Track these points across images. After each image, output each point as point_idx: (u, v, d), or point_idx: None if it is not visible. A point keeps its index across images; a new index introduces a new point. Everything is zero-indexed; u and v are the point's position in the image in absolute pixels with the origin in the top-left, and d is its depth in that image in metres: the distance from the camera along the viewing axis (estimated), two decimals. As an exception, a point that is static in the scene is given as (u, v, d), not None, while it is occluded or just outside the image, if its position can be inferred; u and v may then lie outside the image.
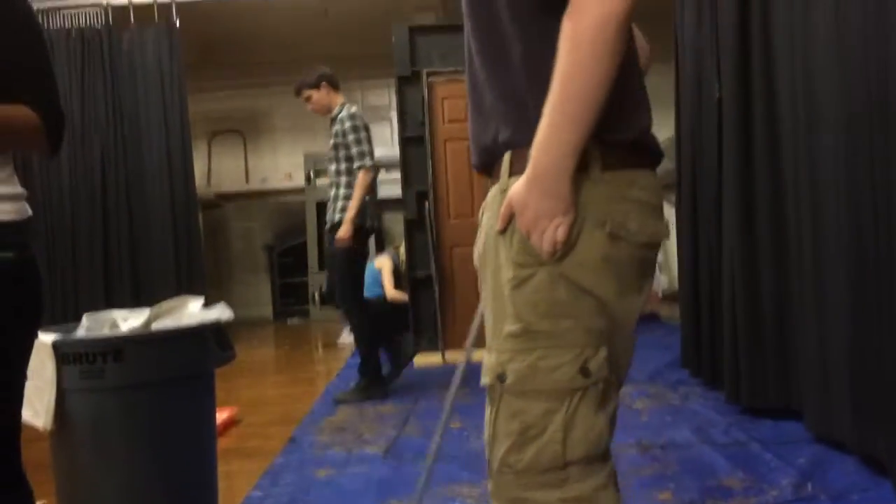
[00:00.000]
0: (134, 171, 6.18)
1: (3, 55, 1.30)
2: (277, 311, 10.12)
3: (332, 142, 4.27)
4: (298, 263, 9.69)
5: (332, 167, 4.28)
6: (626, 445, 2.90)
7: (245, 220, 10.46)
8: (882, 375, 2.29)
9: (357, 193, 4.12)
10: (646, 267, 1.15)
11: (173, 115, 6.30)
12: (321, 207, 9.31)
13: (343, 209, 4.15)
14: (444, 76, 5.47)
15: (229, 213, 10.41)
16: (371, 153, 4.27)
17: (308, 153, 9.46)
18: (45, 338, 1.86)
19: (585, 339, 1.08)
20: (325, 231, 4.32)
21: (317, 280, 9.07)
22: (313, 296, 9.18)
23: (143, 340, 1.94)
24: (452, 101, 5.47)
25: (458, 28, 5.60)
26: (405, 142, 5.67)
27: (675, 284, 5.80)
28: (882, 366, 2.29)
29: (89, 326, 2.21)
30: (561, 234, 1.04)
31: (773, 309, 3.14)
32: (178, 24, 6.32)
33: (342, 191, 4.20)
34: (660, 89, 7.22)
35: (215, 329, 2.11)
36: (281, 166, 10.05)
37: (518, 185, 1.06)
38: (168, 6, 6.31)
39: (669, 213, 7.95)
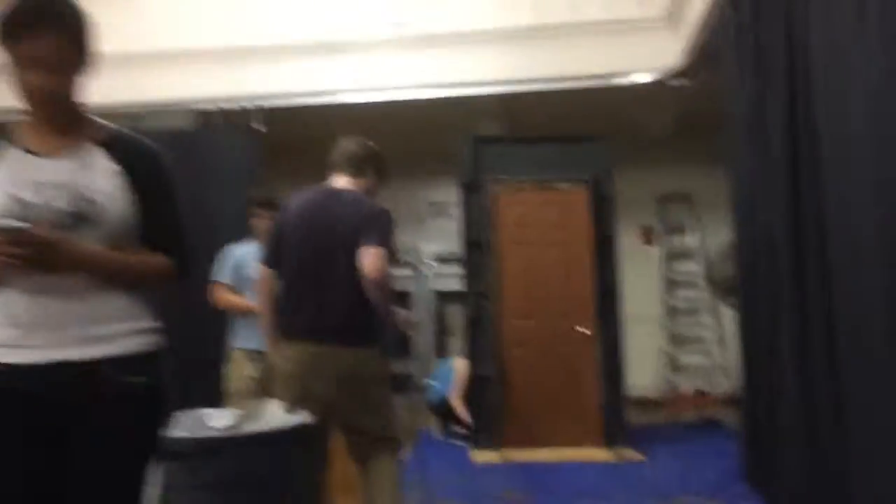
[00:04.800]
0: (199, 277, 6.50)
1: (151, 218, 1.60)
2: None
3: None
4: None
5: None
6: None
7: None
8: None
9: None
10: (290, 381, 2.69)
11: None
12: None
13: None
14: (507, 184, 5.75)
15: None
16: None
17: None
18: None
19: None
20: None
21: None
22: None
23: (241, 441, 2.15)
24: (514, 208, 5.73)
25: (520, 140, 5.88)
26: (468, 244, 5.91)
27: (735, 389, 5.77)
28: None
29: (183, 424, 2.44)
30: None
31: (830, 426, 3.18)
32: (263, 129, 6.81)
33: None
34: (718, 194, 7.16)
35: (303, 433, 2.31)
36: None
37: None
38: (251, 111, 6.82)
39: (729, 315, 7.81)
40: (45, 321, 1.49)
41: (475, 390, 5.68)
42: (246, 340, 3.98)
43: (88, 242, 1.52)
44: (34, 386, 1.48)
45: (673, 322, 8.57)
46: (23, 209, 1.47)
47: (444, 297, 8.69)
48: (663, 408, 7.98)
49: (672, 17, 6.01)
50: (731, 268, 7.76)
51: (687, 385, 8.45)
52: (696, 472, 4.56)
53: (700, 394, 8.28)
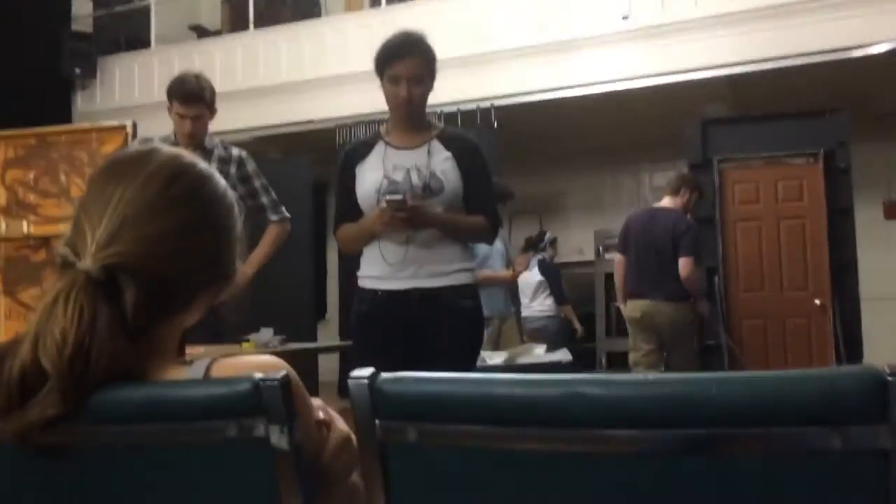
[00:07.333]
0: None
1: (472, 189, 2.24)
2: (566, 376, 10.83)
3: None
4: (586, 331, 10.36)
5: None
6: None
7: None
8: None
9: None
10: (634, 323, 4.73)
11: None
12: (609, 279, 9.99)
13: None
14: (735, 162, 5.95)
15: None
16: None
17: (598, 230, 10.23)
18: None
19: None
20: None
21: (604, 346, 9.68)
22: (600, 360, 9.79)
23: (518, 368, 2.78)
24: (742, 185, 5.92)
25: (748, 119, 6.12)
26: (697, 222, 6.17)
27: None
28: None
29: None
30: None
31: None
32: (496, 125, 7.52)
33: None
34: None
35: (560, 366, 2.91)
36: (572, 242, 10.93)
37: None
38: (488, 109, 7.55)
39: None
40: (408, 261, 2.18)
41: (706, 360, 5.96)
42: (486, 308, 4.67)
43: (435, 207, 2.19)
44: (399, 305, 2.18)
45: (923, 300, 8.12)
46: (393, 186, 2.17)
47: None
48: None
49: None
50: None
51: (939, 365, 7.97)
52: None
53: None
